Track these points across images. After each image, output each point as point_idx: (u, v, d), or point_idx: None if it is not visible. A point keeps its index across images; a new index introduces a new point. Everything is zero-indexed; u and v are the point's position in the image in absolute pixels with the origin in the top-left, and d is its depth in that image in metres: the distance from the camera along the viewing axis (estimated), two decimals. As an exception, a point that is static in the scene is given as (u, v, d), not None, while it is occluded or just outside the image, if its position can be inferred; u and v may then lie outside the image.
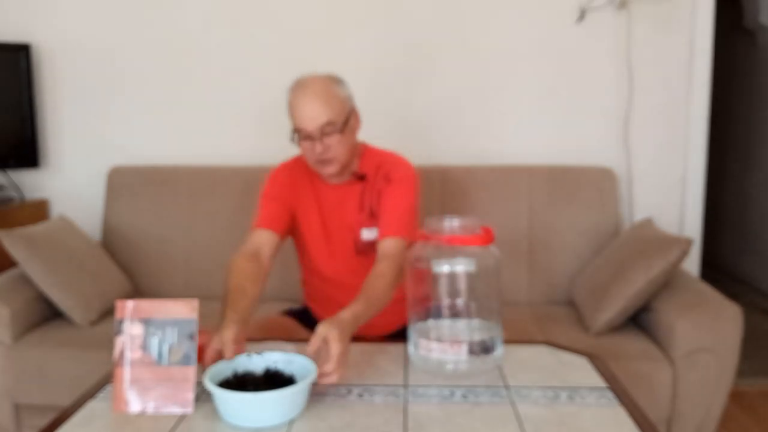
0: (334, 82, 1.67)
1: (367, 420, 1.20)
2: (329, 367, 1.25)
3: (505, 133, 2.69)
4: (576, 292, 2.34)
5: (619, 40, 2.61)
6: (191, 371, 1.25)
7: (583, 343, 2.00)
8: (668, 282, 2.09)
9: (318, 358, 1.27)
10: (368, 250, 1.73)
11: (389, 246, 1.62)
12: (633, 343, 2.03)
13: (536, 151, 2.67)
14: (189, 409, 1.24)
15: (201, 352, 1.42)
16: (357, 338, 1.52)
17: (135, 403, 1.25)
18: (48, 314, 2.22)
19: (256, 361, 1.30)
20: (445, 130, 2.68)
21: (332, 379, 1.26)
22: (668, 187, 2.68)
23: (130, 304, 1.29)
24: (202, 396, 1.30)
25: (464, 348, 1.36)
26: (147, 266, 2.54)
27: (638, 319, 2.15)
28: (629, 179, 2.67)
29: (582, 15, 2.60)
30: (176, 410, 1.24)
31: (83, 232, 2.47)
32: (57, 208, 2.80)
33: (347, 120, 1.66)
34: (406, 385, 1.35)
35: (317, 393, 1.27)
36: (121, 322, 1.28)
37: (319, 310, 1.88)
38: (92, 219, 2.70)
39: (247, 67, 2.71)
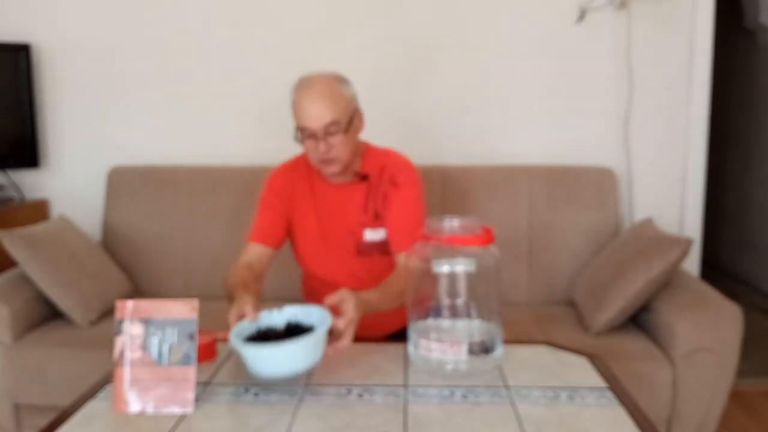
0: (339, 81, 1.66)
1: (367, 420, 1.20)
2: (341, 323, 1.35)
3: (505, 133, 2.69)
4: (576, 292, 2.34)
5: (619, 40, 2.61)
6: (191, 371, 1.25)
7: (583, 343, 2.00)
8: (668, 282, 2.09)
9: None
10: (371, 250, 1.73)
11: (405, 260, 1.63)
12: (633, 343, 2.03)
13: (536, 151, 2.67)
14: (189, 409, 1.24)
15: (201, 352, 1.43)
16: (357, 338, 1.52)
17: (135, 403, 1.25)
18: (48, 314, 2.22)
19: (277, 317, 1.39)
20: (445, 130, 2.68)
21: (344, 343, 1.35)
22: (668, 187, 2.68)
23: (130, 304, 1.29)
24: (202, 396, 1.30)
25: (464, 348, 1.36)
26: (147, 266, 2.54)
27: (638, 319, 2.15)
28: (629, 179, 2.67)
29: (582, 15, 2.60)
30: (176, 410, 1.24)
31: (83, 232, 2.47)
32: (57, 208, 2.80)
33: (351, 120, 1.66)
34: (406, 385, 1.35)
35: (327, 355, 1.35)
36: (121, 322, 1.28)
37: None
38: (92, 219, 2.70)
39: (247, 67, 2.71)
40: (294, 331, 1.35)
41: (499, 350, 1.42)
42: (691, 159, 2.65)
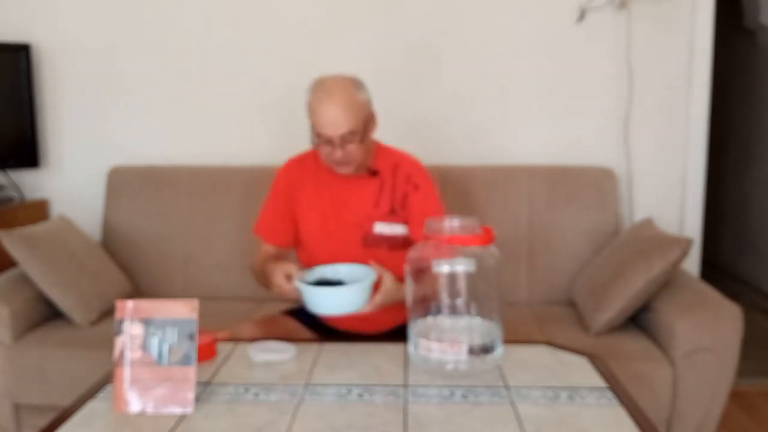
0: (356, 87, 1.68)
1: (367, 420, 1.20)
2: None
3: (505, 133, 2.69)
4: (576, 292, 2.34)
5: (619, 40, 2.61)
6: (191, 371, 1.25)
7: (583, 343, 2.00)
8: (668, 282, 2.09)
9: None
10: (379, 243, 1.77)
11: None
12: (633, 343, 2.03)
13: (536, 151, 2.67)
14: (189, 409, 1.24)
15: (201, 352, 1.43)
16: (357, 336, 1.52)
17: (135, 403, 1.25)
18: (48, 314, 2.22)
19: (315, 273, 1.64)
20: (445, 130, 2.68)
21: (367, 308, 1.54)
22: (668, 187, 2.68)
23: (130, 304, 1.29)
24: (202, 396, 1.30)
25: (464, 348, 1.36)
26: (147, 266, 2.54)
27: (638, 319, 2.14)
28: (629, 179, 2.67)
29: (582, 15, 2.60)
30: (176, 410, 1.24)
31: (83, 232, 2.47)
32: (57, 208, 2.80)
33: (366, 125, 1.70)
34: (406, 385, 1.35)
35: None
36: (121, 322, 1.28)
37: None
38: (92, 219, 2.70)
39: (247, 67, 2.71)
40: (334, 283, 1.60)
41: (499, 350, 1.42)
42: (691, 159, 2.65)
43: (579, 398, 1.29)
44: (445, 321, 1.45)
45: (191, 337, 1.27)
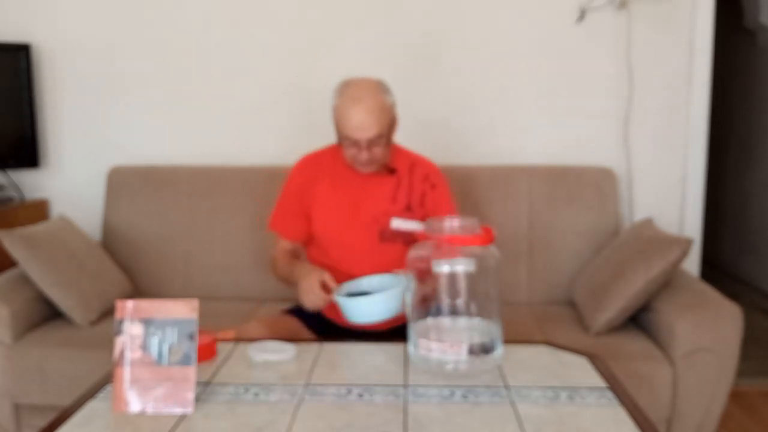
0: (383, 91, 1.74)
1: (367, 420, 1.20)
2: None
3: (505, 133, 2.69)
4: (576, 292, 2.34)
5: (619, 40, 2.61)
6: (191, 371, 1.25)
7: (583, 343, 2.00)
8: (668, 282, 2.09)
9: None
10: (395, 238, 1.81)
11: None
12: (633, 343, 2.03)
13: (536, 151, 2.67)
14: (189, 409, 1.24)
15: (201, 352, 1.43)
16: (357, 336, 1.52)
17: (135, 403, 1.25)
18: (48, 314, 2.22)
19: (345, 288, 1.68)
20: (445, 130, 2.68)
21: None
22: (668, 187, 2.68)
23: (130, 304, 1.29)
24: (202, 396, 1.30)
25: (464, 348, 1.36)
26: (147, 266, 2.54)
27: (638, 319, 2.14)
28: (629, 179, 2.67)
29: (582, 15, 2.60)
30: (176, 410, 1.24)
31: (83, 232, 2.47)
32: (57, 208, 2.80)
33: (391, 128, 1.76)
34: (406, 385, 1.35)
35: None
36: (121, 322, 1.28)
37: (327, 309, 1.89)
38: (92, 219, 2.70)
39: (247, 67, 2.71)
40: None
41: (499, 350, 1.42)
42: (691, 159, 2.65)
43: (579, 398, 1.29)
44: (445, 321, 1.45)
45: (191, 337, 1.27)
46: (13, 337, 2.07)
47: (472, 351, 1.37)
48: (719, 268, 4.43)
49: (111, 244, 2.56)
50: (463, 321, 1.46)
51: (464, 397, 1.29)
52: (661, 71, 2.62)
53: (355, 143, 1.70)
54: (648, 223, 2.35)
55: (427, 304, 1.46)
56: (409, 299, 1.49)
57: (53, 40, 2.73)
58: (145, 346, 1.27)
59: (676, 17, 2.59)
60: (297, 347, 1.53)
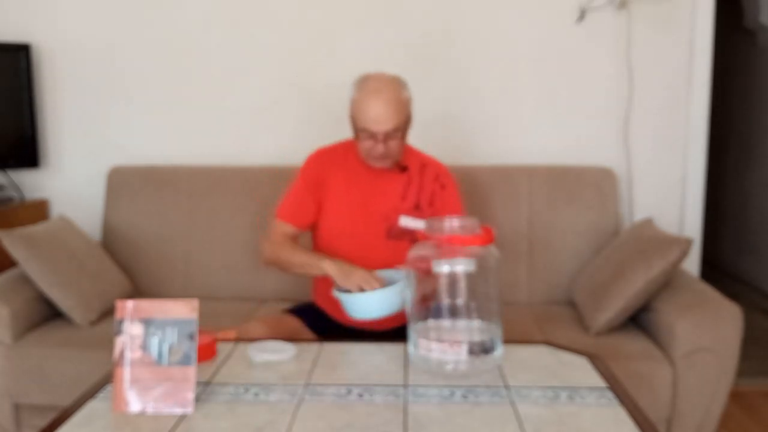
0: (402, 87, 1.76)
1: (367, 420, 1.20)
2: None
3: (505, 133, 2.69)
4: (576, 292, 2.34)
5: (619, 40, 2.61)
6: (191, 371, 1.25)
7: (583, 343, 2.00)
8: (668, 282, 2.09)
9: None
10: (402, 236, 1.81)
11: None
12: (633, 343, 2.03)
13: (536, 151, 2.67)
14: (189, 409, 1.24)
15: (201, 352, 1.43)
16: (357, 336, 1.52)
17: (135, 403, 1.25)
18: (48, 314, 2.22)
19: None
20: (445, 130, 2.68)
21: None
22: (668, 187, 2.68)
23: (130, 304, 1.29)
24: (202, 396, 1.30)
25: (464, 348, 1.36)
26: (147, 266, 2.54)
27: (638, 319, 2.14)
28: (629, 179, 2.67)
29: (582, 15, 2.60)
30: (176, 410, 1.24)
31: (83, 232, 2.47)
32: (57, 208, 2.80)
33: (407, 123, 1.78)
34: (406, 385, 1.35)
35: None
36: (121, 322, 1.28)
37: (329, 308, 1.89)
38: (92, 219, 2.70)
39: (247, 67, 2.71)
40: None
41: (499, 350, 1.42)
42: (691, 159, 2.65)
43: (579, 398, 1.29)
44: (445, 321, 1.45)
45: (191, 337, 1.27)
46: (13, 337, 2.07)
47: (472, 351, 1.37)
48: (719, 268, 4.43)
49: (111, 244, 2.56)
50: (463, 321, 1.46)
51: (464, 397, 1.29)
52: (661, 71, 2.62)
53: (372, 136, 1.72)
54: (648, 223, 2.35)
55: (427, 304, 1.46)
56: (410, 296, 1.48)
57: (53, 40, 2.73)
58: (145, 346, 1.27)
59: (676, 17, 2.59)
60: (297, 347, 1.53)
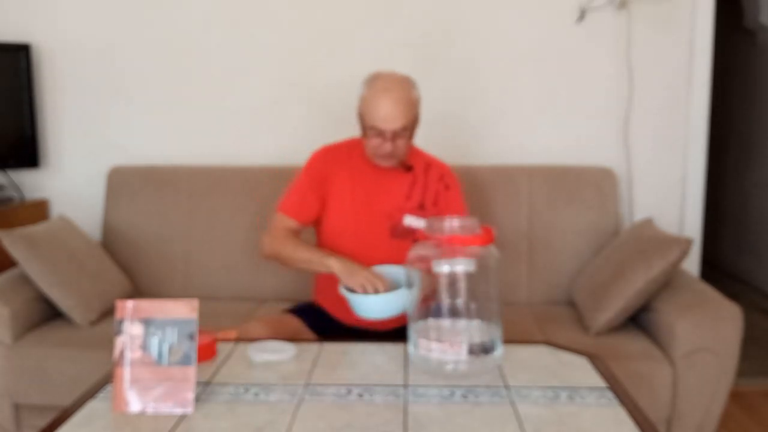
0: (412, 86, 1.77)
1: (367, 420, 1.20)
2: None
3: (505, 133, 2.69)
4: (576, 292, 2.34)
5: (619, 40, 2.61)
6: (191, 371, 1.25)
7: (583, 343, 2.00)
8: (668, 282, 2.09)
9: None
10: (406, 235, 1.82)
11: None
12: (633, 343, 2.03)
13: (536, 151, 2.67)
14: (189, 409, 1.24)
15: (201, 352, 1.42)
16: (357, 336, 1.51)
17: (135, 403, 1.25)
18: (48, 314, 2.22)
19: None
20: (445, 130, 2.68)
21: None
22: (668, 187, 2.68)
23: (130, 304, 1.29)
24: (202, 396, 1.30)
25: (464, 348, 1.36)
26: (147, 266, 2.54)
27: (638, 319, 2.14)
28: (629, 179, 2.67)
29: (582, 15, 2.60)
30: (176, 410, 1.24)
31: (83, 232, 2.47)
32: (57, 208, 2.80)
33: (415, 123, 1.78)
34: (406, 385, 1.35)
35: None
36: (121, 322, 1.28)
37: (330, 307, 1.89)
38: (92, 219, 2.70)
39: (247, 67, 2.71)
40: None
41: (499, 350, 1.42)
42: (691, 159, 2.65)
43: (579, 398, 1.29)
44: (445, 321, 1.45)
45: (191, 337, 1.27)
46: (13, 337, 2.07)
47: (472, 351, 1.37)
48: (719, 268, 4.43)
49: (111, 244, 2.56)
50: (463, 321, 1.46)
51: (464, 397, 1.29)
52: (661, 71, 2.62)
53: (380, 134, 1.73)
54: (648, 223, 2.35)
55: (427, 304, 1.47)
56: (416, 297, 1.48)
57: (53, 40, 2.73)
58: (145, 346, 1.27)
59: (676, 17, 2.59)
60: (297, 347, 1.53)
